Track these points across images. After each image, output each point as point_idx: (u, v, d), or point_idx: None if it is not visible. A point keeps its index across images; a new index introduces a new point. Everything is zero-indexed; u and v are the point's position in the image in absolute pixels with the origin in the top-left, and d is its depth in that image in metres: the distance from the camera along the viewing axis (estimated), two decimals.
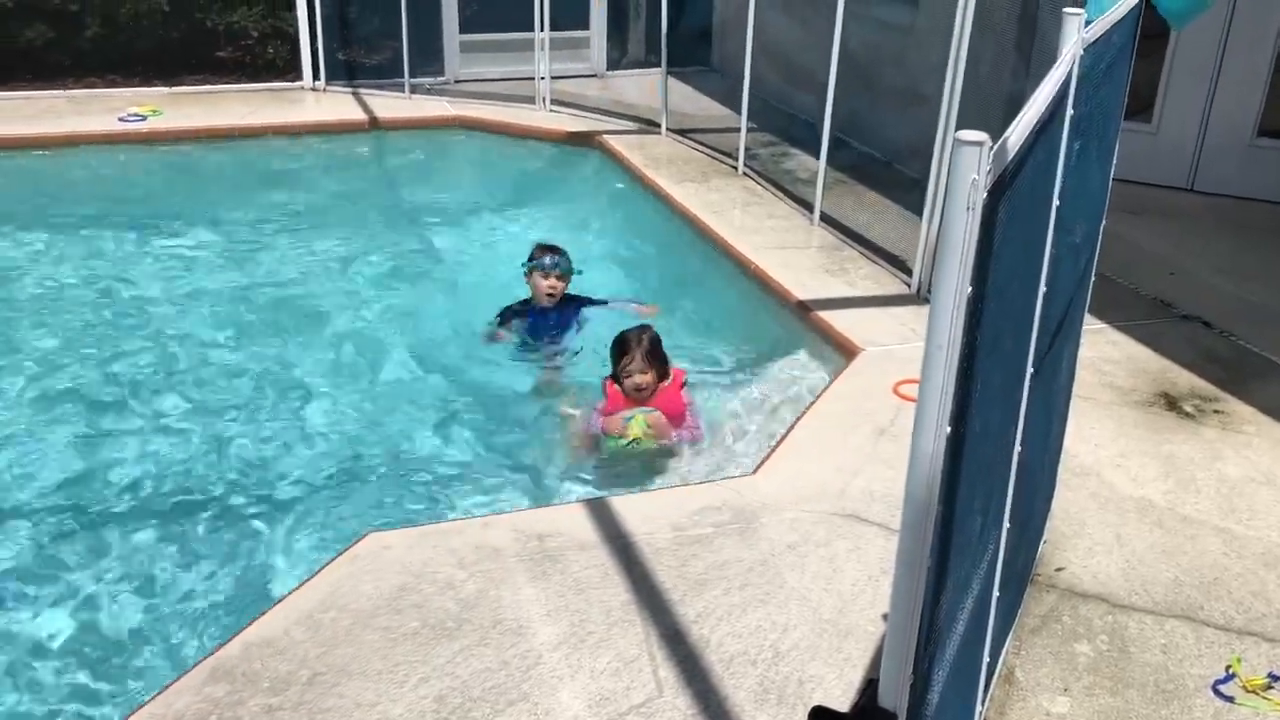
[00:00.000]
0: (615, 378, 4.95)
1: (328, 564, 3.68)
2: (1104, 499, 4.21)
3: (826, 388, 5.07)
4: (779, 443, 4.55)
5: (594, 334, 5.78)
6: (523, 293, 5.92)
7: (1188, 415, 4.84)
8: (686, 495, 4.16)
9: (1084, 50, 2.47)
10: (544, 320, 5.82)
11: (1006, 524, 2.71)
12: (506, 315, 5.82)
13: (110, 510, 4.47)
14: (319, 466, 4.84)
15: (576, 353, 5.74)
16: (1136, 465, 4.43)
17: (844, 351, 5.45)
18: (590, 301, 5.99)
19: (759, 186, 7.93)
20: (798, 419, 4.74)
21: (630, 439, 4.82)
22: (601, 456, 4.82)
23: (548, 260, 5.68)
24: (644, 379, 4.88)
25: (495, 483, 4.70)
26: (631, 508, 4.03)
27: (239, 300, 6.47)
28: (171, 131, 8.91)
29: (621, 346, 4.96)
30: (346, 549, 3.76)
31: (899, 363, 5.21)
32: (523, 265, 5.74)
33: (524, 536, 3.83)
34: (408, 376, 5.64)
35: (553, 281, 5.71)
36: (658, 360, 4.94)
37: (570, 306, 5.89)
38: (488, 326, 5.83)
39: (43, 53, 9.59)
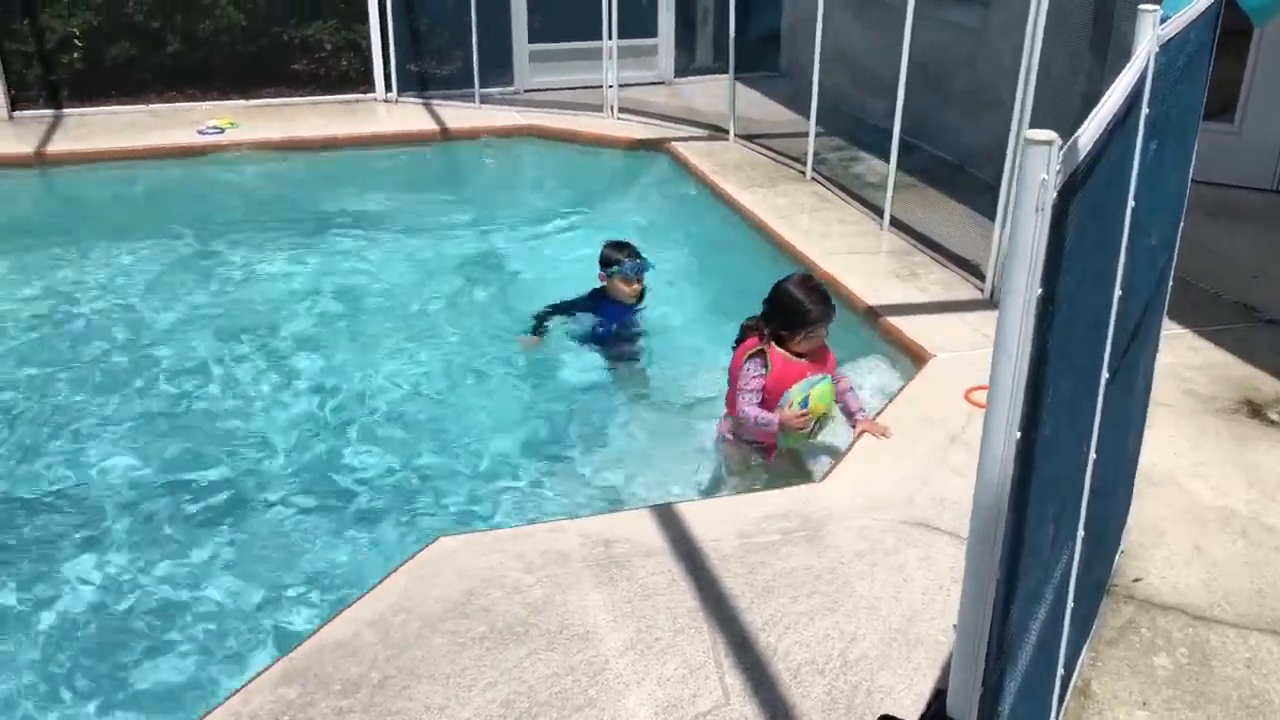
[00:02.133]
0: (777, 339, 4.47)
1: (397, 568, 3.72)
2: (1183, 508, 4.10)
3: (896, 394, 5.01)
4: (847, 450, 4.51)
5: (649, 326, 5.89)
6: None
7: (1273, 423, 4.70)
8: (753, 502, 4.14)
9: (1160, 48, 2.41)
10: (622, 317, 5.84)
11: (1081, 533, 2.65)
12: (579, 309, 5.80)
13: (184, 511, 4.57)
14: (390, 470, 4.91)
15: (645, 335, 5.82)
16: (1218, 474, 4.31)
17: (914, 358, 5.39)
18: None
19: (828, 191, 7.87)
20: (859, 434, 4.69)
21: (817, 419, 4.40)
22: (779, 452, 4.53)
23: (629, 265, 5.66)
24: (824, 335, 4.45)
25: (563, 487, 4.73)
26: (697, 514, 4.02)
27: (314, 305, 6.59)
28: (248, 143, 9.11)
29: (797, 297, 4.42)
30: (416, 554, 3.80)
31: (970, 369, 5.14)
32: (609, 271, 5.68)
33: (591, 542, 3.84)
34: (479, 381, 5.69)
35: (636, 286, 5.73)
36: None
37: (640, 297, 5.94)
38: (543, 326, 5.80)
39: (126, 69, 9.88)
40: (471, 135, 9.60)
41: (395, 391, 5.58)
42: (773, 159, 8.64)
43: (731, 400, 4.61)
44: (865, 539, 3.88)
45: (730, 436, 4.66)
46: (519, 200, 8.51)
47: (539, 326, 5.83)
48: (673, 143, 9.06)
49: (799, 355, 4.49)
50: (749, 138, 9.08)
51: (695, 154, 8.75)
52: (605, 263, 5.72)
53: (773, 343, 4.48)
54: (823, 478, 4.34)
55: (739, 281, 6.83)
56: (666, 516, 4.01)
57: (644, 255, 5.77)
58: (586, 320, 5.81)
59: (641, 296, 5.86)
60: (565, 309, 5.83)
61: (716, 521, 3.98)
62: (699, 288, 6.73)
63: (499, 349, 6.02)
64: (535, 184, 9.01)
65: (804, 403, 4.42)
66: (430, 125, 9.64)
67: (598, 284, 5.83)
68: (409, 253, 7.44)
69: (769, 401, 4.49)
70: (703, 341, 6.04)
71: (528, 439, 5.16)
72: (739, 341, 4.63)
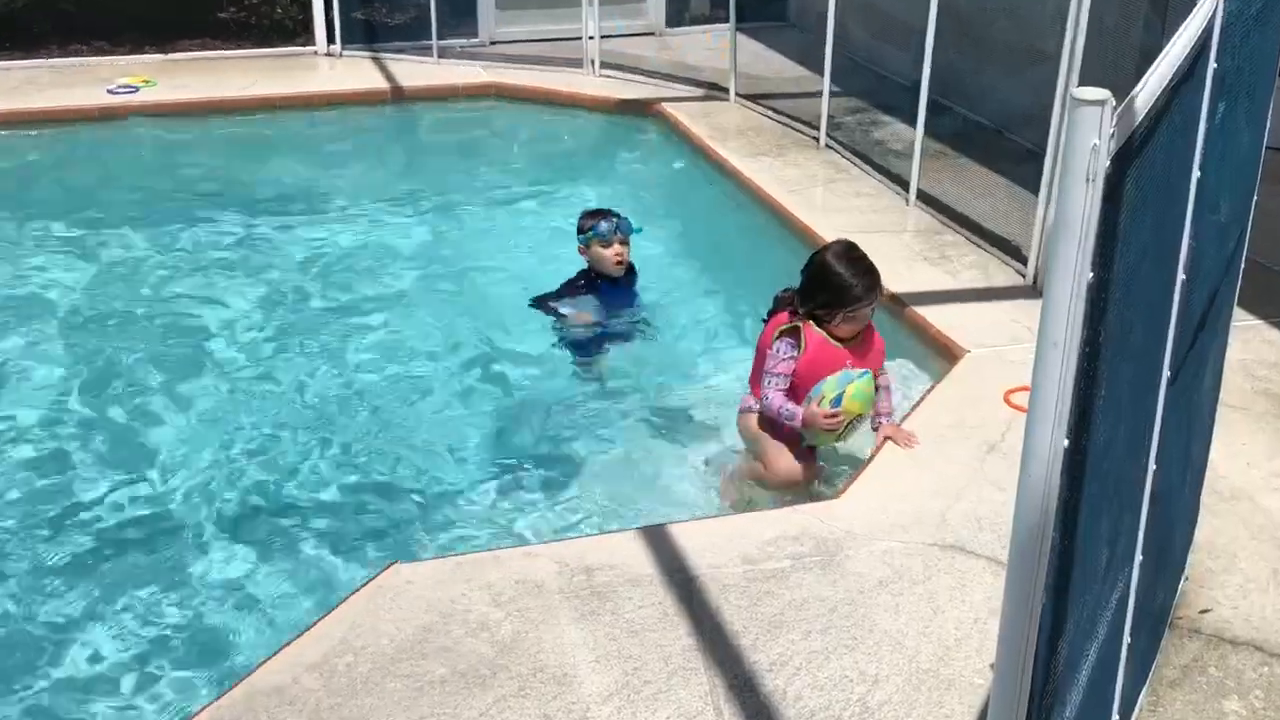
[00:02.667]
0: (813, 318, 4.44)
1: (344, 600, 3.72)
2: (1258, 527, 4.12)
3: (924, 397, 5.03)
4: (868, 461, 4.52)
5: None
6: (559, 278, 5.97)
7: None
8: (758, 522, 4.15)
9: None
10: (619, 291, 5.88)
11: (1139, 557, 2.67)
12: (567, 291, 5.82)
13: (105, 532, 4.56)
14: (337, 486, 4.90)
15: (648, 324, 5.86)
16: None
17: (945, 353, 5.41)
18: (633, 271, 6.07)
19: (844, 160, 7.89)
20: (880, 444, 4.70)
21: (852, 418, 4.35)
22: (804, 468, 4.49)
23: (604, 225, 5.70)
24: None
25: (538, 506, 4.73)
26: (694, 537, 4.03)
27: (245, 296, 6.58)
28: (167, 104, 9.08)
29: (836, 271, 4.37)
30: (366, 583, 3.79)
31: (1011, 367, 5.15)
32: (579, 239, 5.76)
33: (570, 570, 3.84)
34: (440, 384, 5.71)
35: (618, 248, 5.75)
36: None
37: (633, 276, 5.97)
38: (561, 314, 5.82)
39: (20, 18, 9.82)
40: (429, 95, 9.59)
41: (341, 396, 5.57)
42: (780, 123, 8.65)
43: (756, 378, 4.63)
44: (889, 565, 3.89)
45: (750, 414, 4.64)
46: (484, 173, 8.51)
47: (551, 310, 5.86)
48: (664, 104, 9.08)
49: (839, 339, 4.47)
50: (752, 98, 9.09)
51: (690, 117, 8.76)
52: (580, 230, 5.79)
53: (809, 321, 4.44)
54: (839, 493, 4.35)
55: (741, 265, 6.85)
56: (658, 539, 4.01)
57: (625, 217, 5.81)
58: (583, 305, 5.82)
59: (631, 270, 5.88)
60: (566, 291, 5.86)
61: (716, 544, 3.99)
62: (695, 272, 6.75)
63: (461, 346, 6.02)
64: (503, 153, 9.01)
65: (837, 400, 4.37)
66: (380, 83, 9.63)
67: (582, 266, 5.87)
68: (355, 236, 7.44)
69: (799, 390, 4.46)
70: (699, 334, 6.05)
71: (498, 450, 5.16)
72: (771, 314, 4.62)
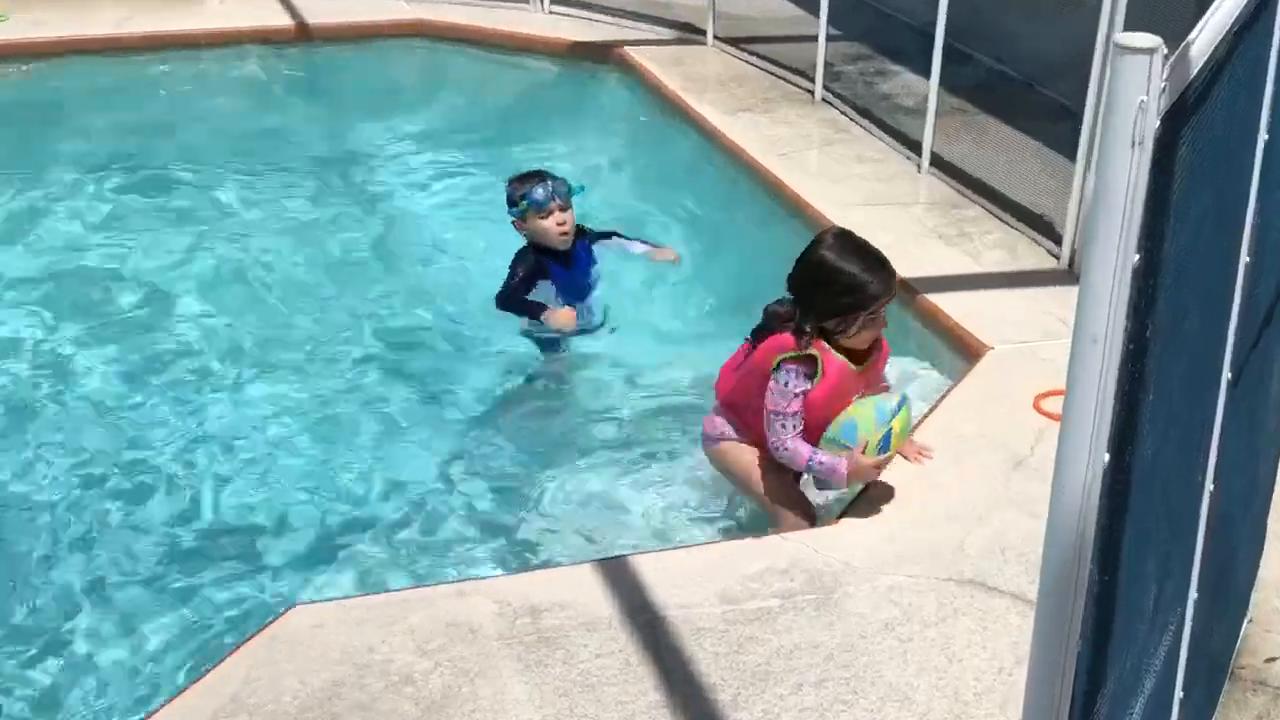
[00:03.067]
0: (826, 335, 4.31)
1: (236, 649, 3.69)
2: None
3: (939, 402, 5.05)
4: (866, 485, 4.54)
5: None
6: (498, 259, 5.98)
7: None
8: (740, 553, 4.16)
9: None
10: (573, 271, 5.87)
11: (1194, 595, 2.69)
12: (527, 280, 5.79)
13: None
14: (228, 510, 4.88)
15: (603, 316, 5.89)
16: None
17: (964, 350, 5.44)
18: (598, 235, 6.06)
19: (844, 118, 7.91)
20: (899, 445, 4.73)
21: (886, 456, 4.29)
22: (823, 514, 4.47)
23: (539, 192, 5.69)
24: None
25: (475, 533, 4.73)
26: (663, 570, 4.03)
27: (116, 281, 6.53)
28: (21, 44, 8.99)
29: (846, 270, 4.26)
30: (263, 627, 3.77)
31: (1042, 366, 5.19)
32: (511, 213, 5.75)
33: (512, 611, 3.83)
34: (356, 388, 5.69)
35: (559, 215, 5.73)
36: None
37: (582, 241, 5.95)
38: (533, 317, 5.81)
39: None
40: (342, 35, 9.54)
41: (233, 403, 5.54)
42: (768, 72, 8.66)
43: (737, 402, 4.51)
44: (896, 604, 3.91)
45: (727, 447, 4.57)
46: (408, 132, 8.47)
47: (527, 309, 5.83)
48: (627, 48, 9.07)
49: (854, 355, 4.34)
50: (734, 42, 9.11)
51: (659, 64, 8.76)
52: (511, 203, 5.77)
53: (820, 340, 4.30)
54: (838, 517, 4.36)
55: (721, 245, 6.86)
56: (618, 574, 4.01)
57: (561, 177, 5.82)
58: (540, 295, 5.80)
59: (581, 233, 5.88)
60: (518, 306, 5.80)
61: (689, 579, 3.99)
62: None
63: (377, 340, 6.01)
64: (431, 108, 8.97)
65: (884, 442, 4.24)
66: (282, 20, 9.57)
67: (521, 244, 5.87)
68: (251, 208, 7.40)
69: (807, 427, 4.32)
70: (671, 328, 6.06)
71: (424, 467, 5.15)
72: (760, 333, 4.45)
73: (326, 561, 4.62)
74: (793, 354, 4.28)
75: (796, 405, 4.28)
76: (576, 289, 5.86)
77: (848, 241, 4.38)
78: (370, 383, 5.73)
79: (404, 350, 5.97)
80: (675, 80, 8.48)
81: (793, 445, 4.29)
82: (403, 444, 5.30)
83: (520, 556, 4.59)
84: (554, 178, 5.79)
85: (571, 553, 4.57)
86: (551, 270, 5.81)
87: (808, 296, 4.32)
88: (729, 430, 4.57)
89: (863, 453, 4.22)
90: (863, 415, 4.26)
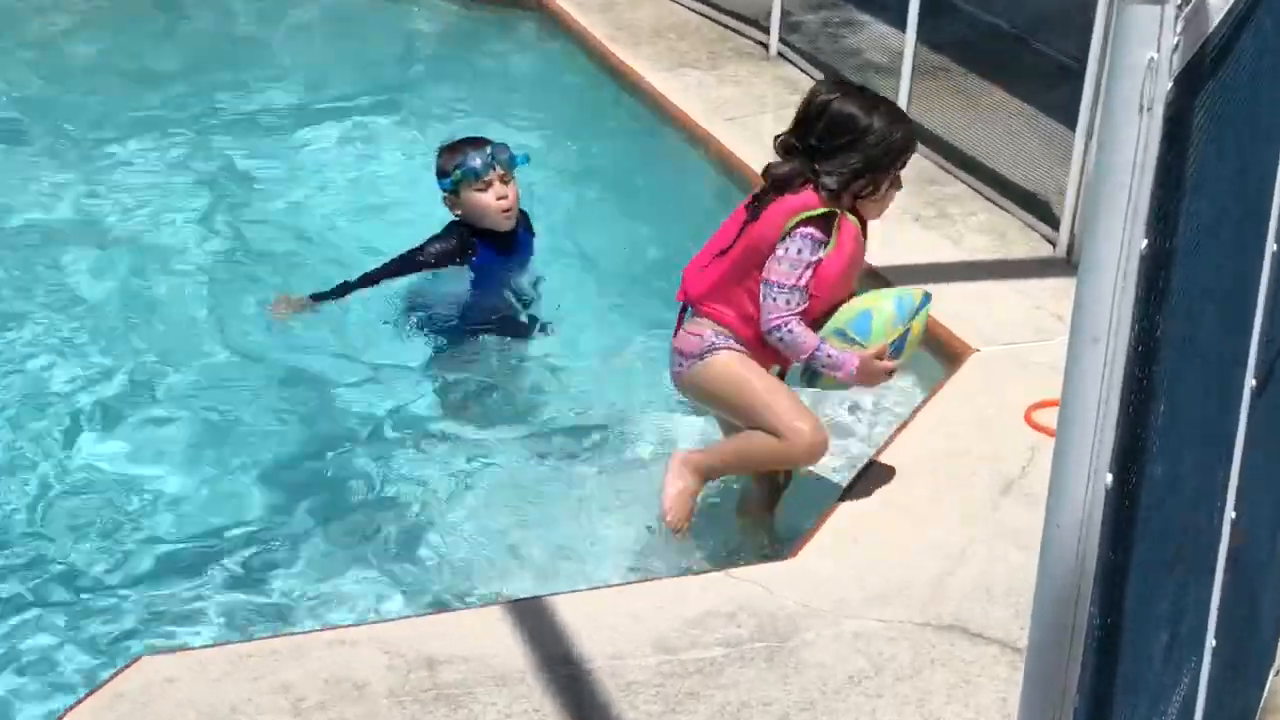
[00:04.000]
0: (851, 191, 4.44)
1: (72, 709, 3.64)
2: None
3: (915, 412, 5.07)
4: (835, 504, 4.56)
5: None
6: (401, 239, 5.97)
7: None
8: (680, 593, 4.16)
9: None
10: (508, 260, 5.87)
11: (1211, 641, 2.73)
12: (440, 256, 5.78)
13: None
14: (64, 541, 4.83)
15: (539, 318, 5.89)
16: None
17: (945, 352, 5.48)
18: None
19: (804, 76, 7.93)
20: (866, 464, 4.76)
21: (899, 361, 4.44)
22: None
23: (476, 159, 5.66)
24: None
25: (360, 571, 4.71)
26: (587, 614, 4.03)
27: None
28: None
29: (869, 122, 4.39)
30: (105, 682, 3.73)
31: (1035, 372, 5.21)
32: (451, 182, 5.69)
33: (405, 663, 3.82)
34: (220, 391, 5.68)
35: (500, 188, 5.70)
36: None
37: (526, 228, 5.96)
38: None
39: None
40: None
41: (72, 421, 5.50)
42: (714, 21, 8.66)
43: (723, 294, 4.50)
44: (864, 653, 3.92)
45: (718, 357, 4.53)
46: (279, 87, 8.42)
47: (337, 293, 5.81)
48: None
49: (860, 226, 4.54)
50: None
51: (584, 9, 8.75)
52: (441, 174, 5.71)
53: (821, 197, 4.40)
54: (795, 549, 4.38)
55: (656, 225, 6.86)
56: (534, 618, 4.00)
57: (503, 144, 5.80)
58: (452, 282, 5.77)
59: (521, 218, 5.88)
60: (409, 266, 5.79)
61: (619, 624, 3.98)
62: (590, 236, 6.75)
63: (243, 336, 5.99)
64: (308, 57, 8.91)
65: (899, 344, 4.42)
66: None
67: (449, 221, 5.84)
68: (86, 169, 7.34)
69: (808, 311, 4.42)
70: (597, 323, 6.05)
71: (301, 490, 5.14)
72: (770, 191, 4.48)
73: (181, 603, 4.58)
74: (815, 212, 4.38)
75: (806, 277, 4.38)
76: (503, 282, 5.83)
77: (863, 90, 4.59)
78: (235, 392, 5.70)
79: (271, 354, 5.93)
80: (603, 29, 8.48)
81: (798, 328, 4.37)
82: (274, 465, 5.27)
83: (415, 598, 4.57)
84: (494, 144, 5.75)
85: (477, 593, 4.56)
86: (480, 251, 5.76)
87: (830, 153, 4.42)
88: (721, 335, 4.52)
89: (873, 344, 4.38)
90: (880, 308, 4.44)
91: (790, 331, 4.36)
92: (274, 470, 5.25)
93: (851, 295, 4.56)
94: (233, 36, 9.13)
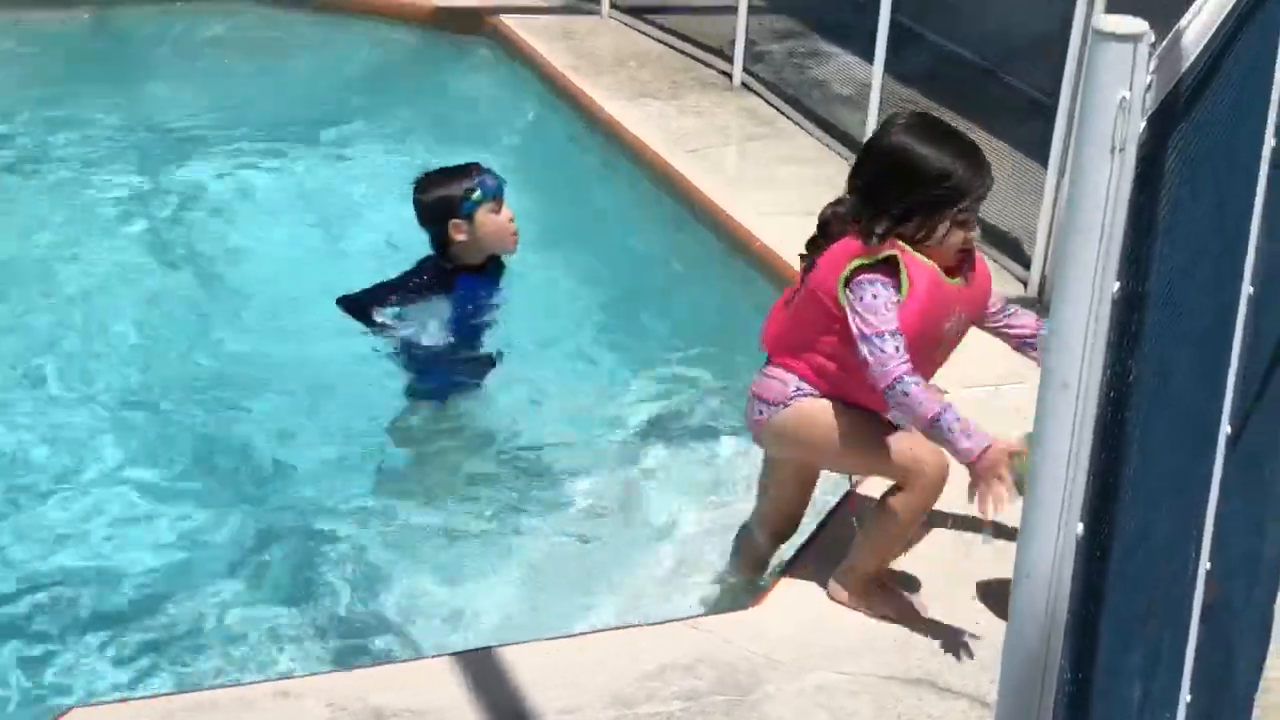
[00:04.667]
0: (903, 239, 4.12)
1: None
2: None
3: None
4: (799, 552, 4.55)
5: None
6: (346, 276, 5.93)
7: None
8: (637, 644, 4.14)
9: None
10: (488, 293, 5.83)
11: (1186, 696, 2.73)
12: (419, 290, 5.73)
13: None
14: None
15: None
16: None
17: None
18: None
19: (768, 108, 7.97)
20: (831, 511, 4.75)
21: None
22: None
23: (490, 179, 5.64)
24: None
25: (304, 619, 4.69)
26: (540, 665, 4.01)
27: None
28: None
29: (926, 156, 4.13)
30: None
31: (1005, 417, 5.21)
32: (464, 208, 5.59)
33: (350, 715, 3.79)
34: (155, 429, 5.67)
35: (508, 210, 5.69)
36: None
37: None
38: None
39: None
40: None
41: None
42: (676, 50, 8.70)
43: (811, 342, 4.24)
44: (826, 708, 3.91)
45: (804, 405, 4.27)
46: (224, 117, 8.42)
47: (370, 319, 5.75)
48: (503, 16, 9.07)
49: (946, 271, 4.19)
50: (635, 12, 9.14)
51: (543, 37, 8.77)
52: (448, 205, 5.60)
53: (900, 244, 4.12)
54: (757, 598, 4.37)
55: (615, 260, 6.86)
56: (485, 670, 3.98)
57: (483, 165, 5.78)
58: (429, 315, 5.74)
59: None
60: (397, 295, 5.72)
61: (572, 677, 3.96)
62: (549, 271, 6.75)
63: (185, 381, 5.97)
64: (254, 87, 8.91)
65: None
66: None
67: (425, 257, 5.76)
68: (19, 207, 7.31)
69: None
70: (562, 365, 6.07)
71: (242, 532, 5.12)
72: (820, 241, 4.29)
73: (114, 651, 4.56)
74: (867, 260, 4.11)
75: (893, 318, 4.04)
76: (476, 318, 5.80)
77: (928, 123, 4.31)
78: (179, 434, 5.70)
79: (213, 388, 5.93)
80: (562, 57, 8.49)
81: (915, 386, 3.99)
82: (216, 512, 5.25)
83: (363, 649, 4.56)
84: (481, 166, 5.72)
85: (425, 644, 4.54)
86: (459, 286, 5.71)
87: (878, 193, 4.16)
88: (804, 385, 4.29)
89: (1011, 444, 3.93)
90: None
91: (912, 386, 3.98)
92: (216, 517, 5.24)
93: (944, 352, 4.30)
94: (188, 62, 9.11)
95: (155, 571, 4.95)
